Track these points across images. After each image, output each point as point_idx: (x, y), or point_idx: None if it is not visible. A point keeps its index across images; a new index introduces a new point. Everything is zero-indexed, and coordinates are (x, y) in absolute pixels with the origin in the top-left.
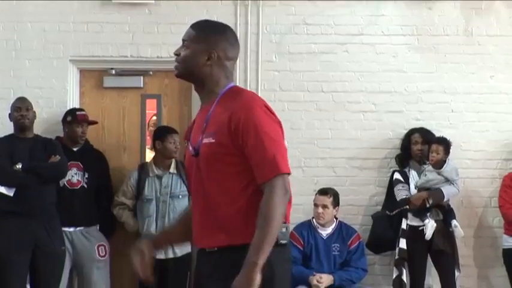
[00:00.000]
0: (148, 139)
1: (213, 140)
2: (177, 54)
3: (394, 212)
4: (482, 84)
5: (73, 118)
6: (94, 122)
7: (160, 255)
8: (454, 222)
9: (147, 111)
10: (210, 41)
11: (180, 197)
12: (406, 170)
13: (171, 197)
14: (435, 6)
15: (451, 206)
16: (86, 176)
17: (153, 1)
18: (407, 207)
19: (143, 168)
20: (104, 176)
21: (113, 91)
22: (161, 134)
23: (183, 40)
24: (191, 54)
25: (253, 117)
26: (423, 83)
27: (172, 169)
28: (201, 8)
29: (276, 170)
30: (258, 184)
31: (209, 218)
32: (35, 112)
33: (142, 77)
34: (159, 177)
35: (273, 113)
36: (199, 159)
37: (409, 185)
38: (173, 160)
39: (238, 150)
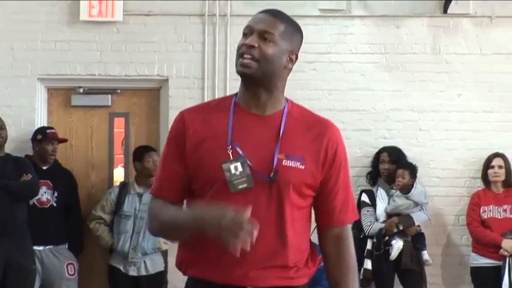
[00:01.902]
0: (118, 157)
1: (302, 167)
2: (253, 46)
3: (362, 235)
4: (450, 103)
5: (43, 136)
6: (64, 140)
7: (133, 272)
8: (425, 256)
9: (115, 130)
10: (295, 40)
11: None
12: (374, 188)
13: None
14: (403, 25)
15: (421, 229)
16: (55, 194)
17: (121, 19)
18: (387, 237)
19: (125, 185)
20: (73, 194)
21: (80, 109)
22: (139, 154)
23: (264, 31)
24: (279, 54)
25: (345, 151)
26: (391, 101)
27: None
28: (169, 25)
29: (356, 215)
30: (331, 226)
31: (277, 255)
32: (7, 131)
33: (110, 96)
34: (140, 195)
35: None
36: (279, 186)
37: (375, 206)
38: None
39: (318, 184)
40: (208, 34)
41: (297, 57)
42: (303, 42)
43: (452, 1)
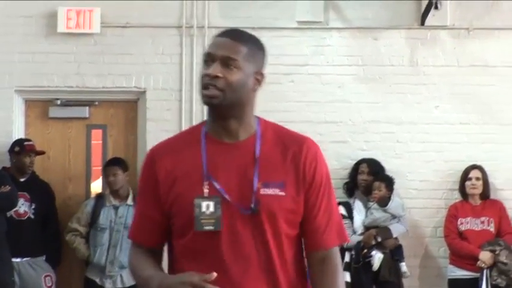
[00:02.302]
0: (95, 170)
1: (283, 194)
2: (216, 76)
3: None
4: (427, 115)
5: (21, 148)
6: (42, 152)
7: (109, 285)
8: (403, 268)
9: (92, 142)
10: (259, 59)
11: None
12: (351, 200)
13: (126, 227)
14: (381, 37)
15: (399, 241)
16: (33, 206)
17: (99, 31)
18: (365, 250)
19: (100, 197)
20: (50, 206)
21: (58, 121)
22: (103, 168)
23: (227, 57)
24: (244, 79)
25: (326, 168)
26: (368, 113)
27: (129, 201)
28: (146, 38)
29: (343, 238)
30: (315, 250)
31: None
32: None
33: (87, 107)
34: (116, 208)
35: None
36: (260, 217)
37: (352, 218)
38: (130, 191)
39: (301, 208)
40: (185, 46)
41: (263, 76)
42: (281, 54)
43: (430, 13)
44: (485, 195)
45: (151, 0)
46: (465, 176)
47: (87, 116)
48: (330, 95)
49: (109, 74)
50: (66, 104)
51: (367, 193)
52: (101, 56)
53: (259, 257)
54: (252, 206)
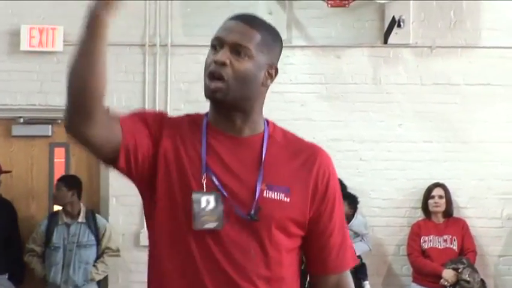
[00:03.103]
0: None
1: (287, 199)
2: (224, 63)
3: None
4: (390, 133)
5: None
6: (7, 171)
7: None
8: (367, 286)
9: (55, 160)
10: (274, 50)
11: (87, 246)
12: None
13: (78, 246)
14: (343, 55)
15: (363, 260)
16: None
17: (62, 49)
18: None
19: (54, 216)
20: (13, 224)
21: (21, 140)
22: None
23: (237, 44)
24: (255, 70)
25: (337, 181)
26: (331, 132)
27: (81, 218)
28: (109, 55)
29: (355, 259)
30: (328, 274)
31: None
32: None
33: (50, 126)
34: (68, 226)
35: None
36: (259, 223)
37: None
38: (83, 209)
39: (307, 221)
40: (148, 64)
41: (277, 71)
42: None
43: (393, 31)
44: (448, 213)
45: (114, 19)
46: (428, 194)
47: (50, 134)
48: (292, 113)
49: None
50: (29, 122)
51: None
52: (64, 74)
53: (258, 271)
54: (252, 211)
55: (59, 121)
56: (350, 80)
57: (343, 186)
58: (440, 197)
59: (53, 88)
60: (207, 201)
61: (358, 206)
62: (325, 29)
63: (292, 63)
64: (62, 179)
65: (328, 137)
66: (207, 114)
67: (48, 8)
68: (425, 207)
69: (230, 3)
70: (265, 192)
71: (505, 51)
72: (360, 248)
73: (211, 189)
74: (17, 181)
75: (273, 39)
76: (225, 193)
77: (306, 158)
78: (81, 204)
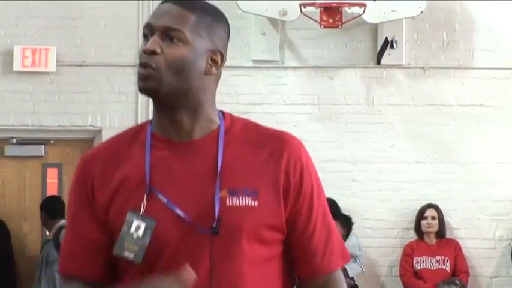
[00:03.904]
0: None
1: (255, 203)
2: (154, 51)
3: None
4: (383, 154)
5: None
6: None
7: None
8: None
9: (48, 180)
10: (217, 33)
11: (53, 262)
12: None
13: (46, 262)
14: (336, 76)
15: (355, 281)
16: None
17: (54, 70)
18: None
19: None
20: (5, 244)
21: (13, 160)
22: None
23: (168, 28)
24: (192, 57)
25: (314, 169)
26: (324, 152)
27: (50, 236)
28: (102, 76)
29: (346, 257)
30: (314, 277)
31: None
32: None
33: (43, 146)
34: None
35: None
36: (226, 236)
37: None
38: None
39: (284, 222)
40: None
41: (223, 57)
42: (237, 93)
43: (386, 52)
44: (440, 234)
45: (107, 39)
46: (421, 215)
47: (42, 154)
48: None
49: (65, 113)
50: (22, 142)
51: None
52: (57, 94)
53: (229, 280)
54: (214, 225)
55: (52, 141)
56: (343, 100)
57: (336, 207)
58: (433, 217)
59: (46, 108)
60: (136, 227)
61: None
62: (318, 50)
63: (285, 83)
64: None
65: (320, 158)
66: (151, 121)
67: (41, 29)
68: (418, 228)
69: None
70: (227, 199)
71: (498, 72)
72: (352, 269)
73: (148, 216)
74: (9, 201)
75: (213, 20)
76: (177, 211)
77: (271, 150)
78: (61, 222)
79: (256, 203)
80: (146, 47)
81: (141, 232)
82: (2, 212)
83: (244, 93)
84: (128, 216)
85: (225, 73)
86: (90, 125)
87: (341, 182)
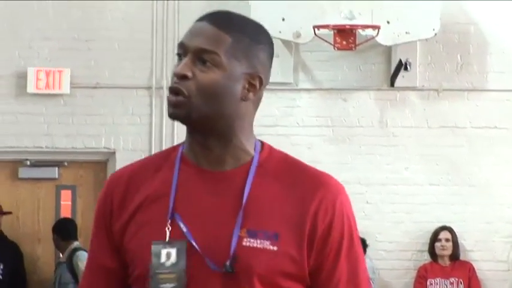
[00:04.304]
0: None
1: (274, 248)
2: (185, 76)
3: None
4: (397, 176)
5: None
6: (8, 213)
7: None
8: None
9: (62, 202)
10: (256, 55)
11: (66, 284)
12: None
13: (59, 284)
14: (350, 98)
15: None
16: (1, 267)
17: (68, 92)
18: None
19: None
20: (18, 266)
21: (27, 182)
22: None
23: (201, 50)
24: (227, 82)
25: (350, 221)
26: (338, 174)
27: (63, 258)
28: (116, 98)
29: None
30: None
31: None
32: None
33: (57, 168)
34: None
35: None
36: (238, 278)
37: None
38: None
39: (305, 272)
40: (155, 107)
41: (262, 81)
42: None
43: (400, 74)
44: (454, 256)
45: (120, 61)
46: (435, 237)
47: (56, 176)
48: (299, 156)
49: (78, 135)
50: (36, 164)
51: None
52: (71, 116)
53: None
54: (228, 263)
55: (66, 163)
56: (357, 122)
57: None
58: (447, 240)
59: (60, 130)
60: (167, 255)
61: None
62: (331, 72)
63: (299, 105)
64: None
65: None
66: (183, 144)
67: (55, 51)
68: (431, 250)
69: None
70: (244, 240)
71: None
72: None
73: (177, 239)
74: (23, 223)
75: (252, 41)
76: (194, 243)
77: (304, 191)
78: (74, 244)
79: (276, 248)
80: (177, 71)
81: (173, 258)
82: (15, 234)
83: (257, 115)
84: (154, 247)
85: None
86: (104, 147)
87: (355, 204)
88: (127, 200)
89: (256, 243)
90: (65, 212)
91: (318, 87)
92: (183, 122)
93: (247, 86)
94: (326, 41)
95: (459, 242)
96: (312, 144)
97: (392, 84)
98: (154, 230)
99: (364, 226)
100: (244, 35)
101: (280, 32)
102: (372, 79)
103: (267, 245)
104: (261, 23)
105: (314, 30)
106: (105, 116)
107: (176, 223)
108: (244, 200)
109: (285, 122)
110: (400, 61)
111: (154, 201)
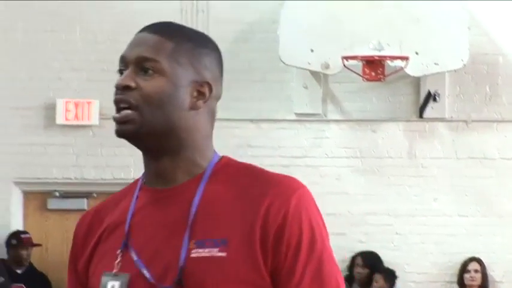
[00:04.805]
0: None
1: (223, 254)
2: (128, 86)
3: None
4: (425, 207)
5: (18, 241)
6: (38, 245)
7: None
8: None
9: None
10: (201, 61)
11: None
12: None
13: None
14: (379, 129)
15: None
16: None
17: (97, 123)
18: None
19: None
20: None
21: (56, 213)
22: None
23: (142, 59)
24: (171, 90)
25: (312, 223)
26: (367, 205)
27: None
28: None
29: None
30: None
31: None
32: None
33: (86, 199)
34: None
35: None
36: None
37: None
38: None
39: (267, 275)
40: None
41: (210, 88)
42: (279, 146)
43: (428, 106)
44: (483, 287)
45: None
46: (464, 269)
47: (85, 208)
48: (328, 187)
49: (107, 166)
50: (65, 195)
51: (363, 286)
52: (100, 147)
53: None
54: (176, 279)
55: (95, 195)
56: (385, 154)
57: (378, 260)
58: (476, 271)
59: (89, 162)
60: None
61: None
62: (360, 103)
63: (328, 137)
64: None
65: (363, 211)
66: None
67: (84, 82)
68: (461, 282)
69: (266, 77)
70: (193, 251)
71: None
72: None
73: (124, 271)
74: (52, 254)
75: (196, 46)
76: (143, 270)
77: (255, 194)
78: None
79: (225, 254)
80: (118, 82)
81: None
82: (44, 265)
83: (286, 146)
84: (102, 280)
85: (267, 126)
86: (132, 178)
87: (384, 235)
88: (89, 236)
89: (204, 252)
90: None
91: (347, 118)
92: (131, 139)
93: (195, 94)
94: (355, 72)
95: (488, 273)
96: (341, 175)
97: (421, 115)
98: (108, 260)
99: (393, 257)
100: (187, 40)
101: (309, 63)
102: (401, 110)
103: (215, 252)
104: (290, 53)
105: (343, 61)
106: (133, 147)
107: (128, 252)
108: (192, 211)
109: (314, 153)
110: (429, 92)
111: (112, 231)
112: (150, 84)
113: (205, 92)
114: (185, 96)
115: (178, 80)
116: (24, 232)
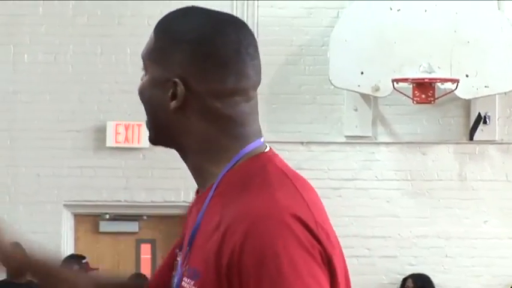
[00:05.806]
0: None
1: None
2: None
3: None
4: (476, 229)
5: (80, 267)
6: (95, 269)
7: None
8: None
9: (142, 256)
10: (172, 57)
11: None
12: None
13: None
14: (429, 151)
15: None
16: None
17: (147, 145)
18: None
19: None
20: None
21: (107, 236)
22: None
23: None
24: (148, 89)
25: (270, 249)
26: (417, 228)
27: None
28: None
29: None
30: None
31: None
32: None
33: (137, 222)
34: None
35: (314, 235)
36: None
37: None
38: None
39: None
40: None
41: (187, 85)
42: (330, 169)
43: (479, 128)
44: None
45: None
46: None
47: (136, 230)
48: (378, 210)
49: (158, 189)
50: (115, 218)
51: None
52: (150, 170)
53: None
54: None
55: (145, 217)
56: (435, 176)
57: (429, 283)
58: None
59: (139, 184)
60: None
61: None
62: (410, 126)
63: (378, 159)
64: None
65: (413, 234)
66: None
67: (134, 104)
68: None
69: (316, 99)
70: (183, 279)
71: None
72: None
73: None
74: None
75: (170, 40)
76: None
77: (225, 216)
78: None
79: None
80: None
81: None
82: None
83: (336, 168)
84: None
85: (317, 148)
86: (183, 201)
87: (434, 258)
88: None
89: (185, 282)
90: (145, 266)
91: (397, 140)
92: (156, 144)
93: (170, 94)
94: (405, 95)
95: None
96: (391, 198)
97: (471, 137)
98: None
99: (443, 280)
100: (163, 34)
101: (359, 85)
102: (451, 132)
103: (190, 285)
104: (340, 76)
105: (393, 84)
106: (184, 170)
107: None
108: (194, 230)
109: (364, 175)
110: (479, 114)
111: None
112: (140, 84)
113: (176, 91)
114: (163, 96)
115: (154, 79)
116: (83, 257)
